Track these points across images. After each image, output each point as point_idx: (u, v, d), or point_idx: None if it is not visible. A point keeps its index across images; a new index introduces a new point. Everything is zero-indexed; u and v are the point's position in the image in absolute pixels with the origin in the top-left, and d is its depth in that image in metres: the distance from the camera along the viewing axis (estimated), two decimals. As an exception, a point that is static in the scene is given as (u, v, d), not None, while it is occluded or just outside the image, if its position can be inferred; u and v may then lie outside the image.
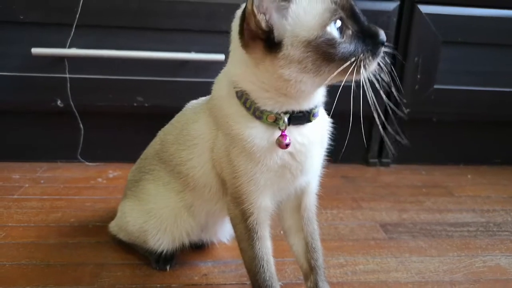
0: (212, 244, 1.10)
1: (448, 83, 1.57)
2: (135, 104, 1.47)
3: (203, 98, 0.94)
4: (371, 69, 0.69)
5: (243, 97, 0.75)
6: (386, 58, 0.72)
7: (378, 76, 0.71)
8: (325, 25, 0.65)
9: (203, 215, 0.94)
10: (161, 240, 0.95)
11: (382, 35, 0.68)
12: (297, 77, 0.68)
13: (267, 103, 0.74)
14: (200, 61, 1.44)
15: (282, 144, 0.73)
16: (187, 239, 0.97)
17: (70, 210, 1.25)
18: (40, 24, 1.37)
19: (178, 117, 0.96)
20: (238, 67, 0.75)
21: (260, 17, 0.65)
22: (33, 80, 1.42)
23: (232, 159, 0.77)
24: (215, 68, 1.44)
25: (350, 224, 1.24)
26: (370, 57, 0.67)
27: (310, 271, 0.88)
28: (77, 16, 1.35)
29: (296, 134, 0.76)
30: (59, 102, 1.44)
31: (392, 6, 1.46)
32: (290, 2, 0.66)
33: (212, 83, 1.51)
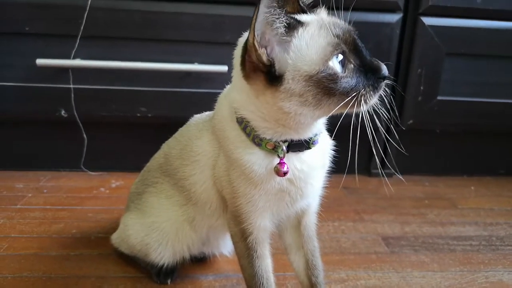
0: (213, 257, 1.10)
1: (451, 94, 1.56)
2: (138, 115, 1.48)
3: (207, 113, 0.94)
4: (372, 103, 0.69)
5: (243, 123, 0.75)
6: (386, 90, 0.72)
7: (377, 109, 0.71)
8: (327, 59, 0.65)
9: (204, 230, 0.94)
10: (163, 253, 0.95)
11: (384, 69, 0.68)
12: (297, 110, 0.68)
13: (266, 132, 0.74)
14: (203, 72, 1.45)
15: (280, 172, 0.73)
16: (188, 253, 0.97)
17: (73, 220, 1.25)
18: (45, 35, 1.39)
19: (182, 131, 0.96)
20: (239, 94, 0.75)
21: (261, 51, 0.65)
22: (37, 90, 1.43)
23: (232, 180, 0.77)
24: (218, 79, 1.47)
25: (352, 237, 1.23)
26: (371, 92, 0.67)
27: None
28: (82, 27, 1.36)
29: (295, 161, 0.75)
30: (63, 112, 1.45)
31: (395, 18, 1.46)
32: (292, 36, 0.66)
33: (215, 94, 1.52)
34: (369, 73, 0.67)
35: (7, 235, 1.16)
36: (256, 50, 0.65)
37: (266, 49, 0.66)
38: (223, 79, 1.46)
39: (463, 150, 1.72)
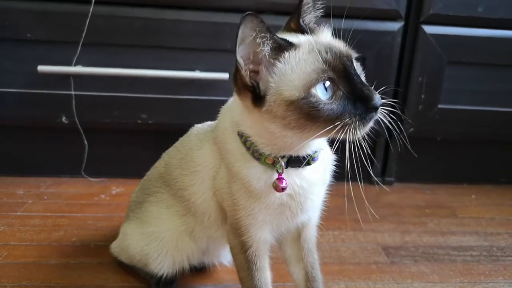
0: (213, 267, 1.10)
1: (452, 103, 1.56)
2: (139, 121, 1.48)
3: (208, 123, 0.94)
4: (360, 134, 0.65)
5: (243, 137, 0.75)
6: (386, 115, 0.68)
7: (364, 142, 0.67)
8: (309, 86, 0.62)
9: (204, 240, 0.94)
10: (162, 263, 0.95)
11: (376, 99, 0.63)
12: (281, 132, 0.67)
13: (265, 147, 0.73)
14: (205, 80, 1.45)
15: (278, 187, 0.72)
16: (187, 263, 0.97)
17: (72, 228, 1.25)
18: (46, 42, 1.39)
19: (182, 141, 0.96)
20: (238, 108, 0.74)
21: (245, 72, 0.64)
22: (39, 97, 1.43)
23: (233, 193, 0.77)
24: (219, 86, 1.47)
25: (352, 247, 1.23)
26: (359, 122, 0.63)
27: None
28: (83, 34, 1.36)
29: (294, 177, 0.75)
30: (64, 118, 1.46)
31: (396, 26, 1.46)
32: (278, 59, 0.64)
33: (216, 101, 1.52)
34: (358, 102, 0.63)
35: (6, 243, 1.16)
36: (239, 71, 0.64)
37: (257, 67, 0.64)
38: (224, 87, 1.47)
39: (464, 158, 1.71)
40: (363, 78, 0.68)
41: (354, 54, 0.69)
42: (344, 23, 1.46)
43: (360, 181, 0.70)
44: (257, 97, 0.66)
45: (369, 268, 1.13)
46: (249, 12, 0.59)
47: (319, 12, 0.73)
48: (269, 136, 0.70)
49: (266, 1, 1.40)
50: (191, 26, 1.41)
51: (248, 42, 0.62)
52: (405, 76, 1.54)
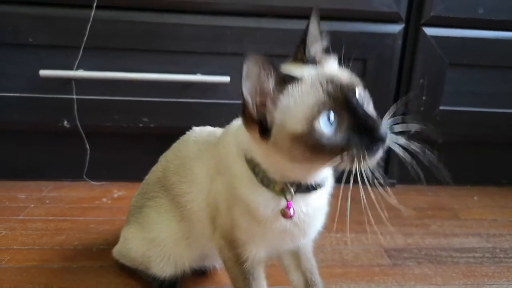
0: (214, 270, 1.09)
1: (453, 104, 1.56)
2: (140, 125, 1.48)
3: (208, 129, 0.95)
4: (366, 166, 0.63)
5: (252, 163, 0.73)
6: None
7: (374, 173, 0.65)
8: (312, 119, 0.62)
9: (200, 247, 0.94)
10: (164, 267, 0.95)
11: (381, 130, 0.62)
12: (288, 164, 0.67)
13: (275, 175, 0.72)
14: (206, 83, 1.45)
15: (286, 215, 0.72)
16: (189, 267, 0.97)
17: (74, 232, 1.25)
18: (48, 46, 1.40)
19: (180, 146, 0.95)
20: (247, 137, 0.72)
21: (251, 107, 0.64)
22: (40, 101, 1.43)
23: (233, 215, 0.77)
24: (220, 89, 1.47)
25: (355, 249, 1.23)
26: (365, 154, 0.62)
27: None
28: (85, 39, 1.37)
29: (301, 203, 0.75)
30: (65, 122, 1.46)
31: (397, 28, 1.46)
32: (282, 93, 0.64)
33: (217, 104, 1.53)
34: (363, 134, 0.62)
35: (9, 247, 1.16)
36: (246, 106, 0.64)
37: (264, 99, 0.64)
38: (225, 90, 1.47)
39: (466, 160, 1.71)
40: (370, 107, 0.67)
41: (358, 83, 0.68)
42: (345, 26, 1.47)
43: (363, 184, 0.70)
44: (264, 130, 0.65)
45: (372, 271, 1.13)
46: (252, 52, 0.60)
47: (325, 43, 0.74)
48: (278, 166, 0.70)
49: (265, 5, 1.41)
50: (192, 29, 1.41)
51: (253, 78, 0.62)
52: (406, 78, 1.54)
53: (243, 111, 0.67)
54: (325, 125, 0.61)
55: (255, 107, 0.64)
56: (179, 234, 0.92)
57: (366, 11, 1.43)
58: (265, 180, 0.72)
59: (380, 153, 0.63)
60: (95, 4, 1.34)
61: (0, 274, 1.04)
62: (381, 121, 0.64)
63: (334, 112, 0.62)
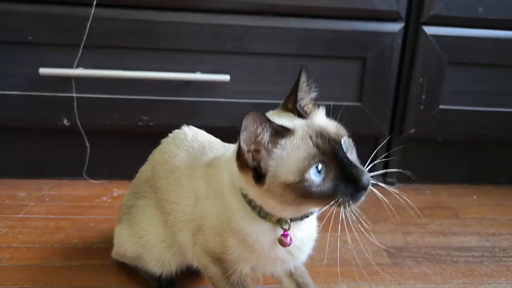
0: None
1: (453, 103, 1.56)
2: (140, 123, 1.48)
3: (200, 134, 0.95)
4: (351, 209, 0.70)
5: (247, 197, 0.76)
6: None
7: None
8: (303, 171, 0.67)
9: (185, 257, 0.94)
10: (160, 269, 0.96)
11: (364, 180, 0.68)
12: (280, 207, 0.72)
13: (270, 211, 0.76)
14: (205, 81, 1.45)
15: (284, 243, 0.77)
16: (180, 271, 0.98)
17: (74, 230, 1.26)
18: (48, 44, 1.39)
19: (170, 149, 0.93)
20: (241, 177, 0.75)
21: (247, 155, 0.69)
22: (40, 99, 1.43)
23: (226, 242, 0.79)
24: (220, 88, 1.47)
25: (354, 248, 1.23)
26: (350, 201, 0.69)
27: None
28: (85, 37, 1.36)
29: (295, 230, 0.79)
30: (65, 120, 1.46)
31: (397, 27, 1.46)
32: (276, 145, 0.69)
33: (217, 103, 1.53)
34: (349, 183, 0.68)
35: (9, 245, 1.16)
36: (243, 155, 0.69)
37: (259, 147, 0.69)
38: (225, 88, 1.47)
39: (465, 159, 1.72)
40: (353, 156, 0.73)
41: (344, 133, 0.74)
42: (345, 25, 1.47)
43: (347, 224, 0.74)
44: (258, 176, 0.70)
45: (371, 270, 1.13)
46: (251, 109, 0.65)
47: (314, 95, 0.79)
48: (271, 206, 0.74)
49: (265, 3, 1.41)
50: (192, 28, 1.41)
51: (250, 130, 0.67)
52: (406, 76, 1.54)
53: (238, 157, 0.71)
54: (315, 175, 0.67)
55: (250, 155, 0.69)
56: (166, 243, 0.93)
57: (366, 10, 1.43)
58: (262, 213, 0.76)
59: (363, 198, 0.71)
60: (95, 2, 1.34)
61: (1, 272, 1.04)
62: (364, 170, 0.70)
63: (322, 163, 0.68)
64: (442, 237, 1.32)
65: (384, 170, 0.89)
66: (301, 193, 0.67)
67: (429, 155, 1.70)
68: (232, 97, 1.48)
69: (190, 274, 1.03)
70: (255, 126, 0.67)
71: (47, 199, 1.44)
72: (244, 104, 1.49)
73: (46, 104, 1.44)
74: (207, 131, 1.00)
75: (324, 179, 0.68)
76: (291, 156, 0.68)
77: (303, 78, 0.76)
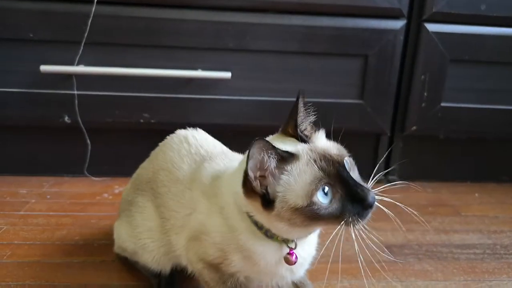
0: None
1: (455, 101, 1.56)
2: (141, 121, 1.48)
3: (203, 142, 0.95)
4: (359, 227, 0.73)
5: (253, 218, 0.77)
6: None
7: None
8: (311, 195, 0.68)
9: (180, 262, 0.95)
10: (160, 267, 0.96)
11: (369, 199, 0.70)
12: (289, 229, 0.74)
13: (277, 233, 0.77)
14: (206, 79, 1.45)
15: (290, 261, 0.78)
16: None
17: (76, 227, 1.26)
18: (49, 42, 1.39)
19: (173, 156, 0.93)
20: (246, 201, 0.76)
21: (255, 183, 0.70)
22: (41, 96, 1.43)
23: (229, 256, 0.80)
24: (221, 85, 1.47)
25: (356, 245, 1.22)
26: (357, 220, 0.71)
27: None
28: (86, 34, 1.36)
29: (299, 249, 0.80)
30: (66, 118, 1.46)
31: (399, 24, 1.46)
32: (282, 171, 0.70)
33: (218, 100, 1.52)
34: (355, 203, 0.70)
35: (10, 242, 1.16)
36: (250, 182, 0.70)
37: (264, 175, 0.70)
38: (226, 85, 1.47)
39: (467, 157, 1.71)
40: (356, 175, 0.74)
41: (345, 154, 0.75)
42: (347, 22, 1.47)
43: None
44: (266, 201, 0.71)
45: (373, 267, 1.12)
46: (257, 138, 0.66)
47: (312, 118, 0.80)
48: (279, 229, 0.75)
49: (267, 0, 1.40)
50: (193, 25, 1.41)
51: (257, 158, 0.68)
52: (408, 74, 1.54)
53: (244, 184, 0.72)
54: (322, 197, 0.69)
55: (258, 181, 0.70)
56: (163, 249, 0.93)
57: (368, 7, 1.43)
58: (268, 233, 0.77)
59: (370, 215, 0.73)
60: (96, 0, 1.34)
61: (2, 269, 1.04)
62: (368, 188, 0.73)
63: (329, 185, 0.70)
64: (444, 234, 1.32)
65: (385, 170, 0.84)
66: (309, 216, 0.69)
67: (430, 152, 1.69)
68: (233, 95, 1.48)
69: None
70: (262, 154, 0.68)
71: (48, 196, 1.44)
72: (246, 101, 1.49)
73: (47, 101, 1.44)
74: (208, 129, 1.01)
75: (331, 201, 0.69)
76: (298, 181, 0.69)
77: (301, 102, 0.77)
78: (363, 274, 1.08)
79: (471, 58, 1.51)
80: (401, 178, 1.70)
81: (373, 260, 1.15)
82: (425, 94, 1.54)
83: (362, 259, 1.14)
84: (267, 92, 1.49)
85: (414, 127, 1.57)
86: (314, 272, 0.96)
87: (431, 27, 1.46)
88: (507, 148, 1.71)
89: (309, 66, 1.48)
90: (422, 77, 1.52)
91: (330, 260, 1.13)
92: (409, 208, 0.90)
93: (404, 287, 1.05)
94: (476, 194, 1.63)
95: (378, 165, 0.88)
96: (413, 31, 1.49)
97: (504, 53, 1.51)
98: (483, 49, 1.50)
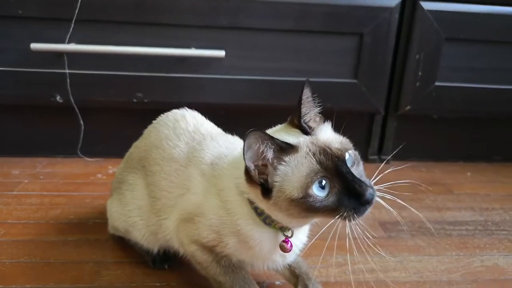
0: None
1: (449, 80, 1.56)
2: (134, 100, 1.46)
3: (203, 123, 0.94)
4: (355, 222, 0.73)
5: (253, 204, 0.77)
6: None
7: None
8: (307, 187, 0.69)
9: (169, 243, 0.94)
10: (151, 245, 0.97)
11: (367, 195, 0.69)
12: (287, 219, 0.75)
13: (277, 220, 0.78)
14: (200, 57, 1.43)
15: (286, 249, 0.80)
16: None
17: (70, 206, 1.25)
18: (39, 19, 1.36)
19: (168, 134, 0.92)
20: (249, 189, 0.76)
21: (254, 173, 0.71)
22: (32, 75, 1.41)
23: (224, 239, 0.80)
24: (215, 64, 1.45)
25: (350, 223, 1.24)
26: (354, 215, 0.70)
27: (297, 279, 0.91)
28: (76, 11, 1.33)
29: (293, 237, 0.81)
30: (58, 97, 1.44)
31: (394, 2, 1.44)
32: (280, 162, 0.71)
33: (212, 79, 1.51)
34: (352, 198, 0.70)
35: (4, 221, 1.16)
36: (249, 172, 0.71)
37: (265, 164, 0.71)
38: (220, 64, 1.46)
39: (460, 136, 1.72)
40: (359, 169, 0.74)
41: (349, 147, 0.75)
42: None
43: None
44: (265, 190, 0.72)
45: (366, 243, 1.13)
46: (252, 129, 0.66)
47: (318, 109, 0.78)
48: (278, 217, 0.76)
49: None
50: (187, 2, 1.39)
51: (253, 149, 0.69)
52: (402, 53, 1.53)
53: (246, 171, 0.72)
54: (318, 190, 0.69)
55: (257, 172, 0.71)
56: (152, 228, 0.93)
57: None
58: (267, 220, 0.78)
59: (368, 211, 0.73)
60: (86, -25, 1.31)
61: (-4, 248, 1.04)
62: (368, 184, 0.71)
63: (326, 179, 0.70)
64: (436, 212, 1.33)
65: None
66: (305, 207, 0.69)
67: (424, 132, 1.70)
68: (227, 74, 1.47)
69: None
70: (258, 144, 0.68)
71: (41, 177, 1.43)
72: (240, 80, 1.47)
73: (38, 80, 1.42)
74: (202, 108, 1.00)
75: (328, 194, 0.69)
76: (295, 173, 0.70)
77: (306, 93, 0.76)
78: (356, 250, 1.10)
79: (466, 36, 1.51)
80: (395, 158, 1.71)
81: (367, 237, 1.17)
82: (420, 73, 1.53)
83: (356, 235, 1.16)
84: (261, 71, 1.47)
85: (408, 107, 1.57)
86: (307, 248, 0.97)
87: (427, 5, 1.45)
88: (500, 127, 1.72)
89: (304, 45, 1.47)
90: (417, 56, 1.51)
91: (324, 237, 1.15)
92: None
93: (397, 262, 1.07)
94: (469, 173, 1.64)
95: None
96: (409, 9, 1.48)
97: (500, 31, 1.51)
98: (479, 27, 1.50)
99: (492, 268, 1.06)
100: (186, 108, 0.98)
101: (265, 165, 0.71)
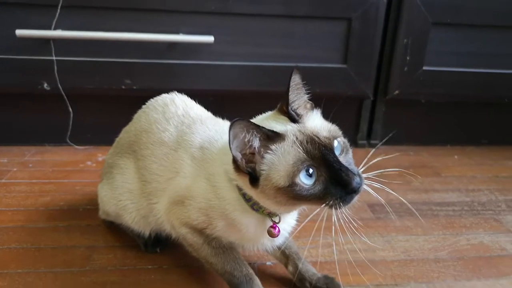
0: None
1: (437, 64, 1.57)
2: (123, 87, 1.46)
3: (192, 107, 0.94)
4: (342, 210, 0.72)
5: (242, 191, 0.77)
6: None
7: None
8: (293, 176, 0.69)
9: (160, 227, 0.95)
10: (142, 228, 0.97)
11: (354, 184, 0.69)
12: (274, 206, 0.75)
13: (266, 207, 0.78)
14: (189, 43, 1.43)
15: (273, 234, 0.80)
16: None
17: (60, 193, 1.25)
18: (24, 4, 1.35)
19: (158, 118, 0.92)
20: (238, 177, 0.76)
21: (240, 162, 0.70)
22: (18, 62, 1.39)
23: (213, 222, 0.81)
24: (204, 50, 1.45)
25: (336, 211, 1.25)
26: (340, 203, 0.70)
27: (287, 259, 0.93)
28: (62, -4, 1.32)
29: (281, 222, 0.82)
30: (45, 85, 1.42)
31: (382, -14, 1.45)
32: (267, 150, 0.70)
33: (201, 66, 1.50)
34: (339, 186, 0.70)
35: (-7, 209, 1.16)
36: (236, 161, 0.71)
37: (253, 153, 0.70)
38: (209, 50, 1.45)
39: (447, 120, 1.74)
40: (348, 157, 0.74)
41: (337, 135, 0.74)
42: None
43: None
44: (253, 179, 0.72)
45: (355, 224, 1.15)
46: (236, 118, 0.65)
47: (306, 96, 0.78)
48: (266, 205, 0.76)
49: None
50: (174, -13, 1.38)
51: (239, 139, 0.68)
52: (391, 37, 1.54)
53: (234, 160, 0.72)
54: (305, 179, 0.69)
55: (244, 161, 0.71)
56: (142, 211, 0.94)
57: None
58: (255, 206, 0.78)
59: (354, 200, 0.72)
60: (71, -41, 1.29)
61: (-15, 234, 1.04)
62: (356, 172, 0.71)
63: (313, 167, 0.70)
64: (424, 193, 1.36)
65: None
66: (292, 196, 0.70)
67: (413, 116, 1.72)
68: (216, 60, 1.46)
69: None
70: (244, 133, 0.68)
71: (30, 165, 1.42)
72: (229, 66, 1.47)
73: (24, 68, 1.41)
74: (191, 94, 0.99)
75: (314, 182, 0.69)
76: (281, 161, 0.69)
77: (295, 79, 0.75)
78: (346, 231, 1.12)
79: (453, 21, 1.52)
80: (384, 142, 1.73)
81: (355, 218, 1.18)
82: (408, 58, 1.55)
83: (345, 217, 1.17)
84: (250, 57, 1.47)
85: (397, 91, 1.59)
86: (298, 231, 0.98)
87: (414, -11, 1.46)
88: (487, 112, 1.74)
89: (292, 30, 1.47)
90: (405, 40, 1.52)
91: (313, 219, 1.16)
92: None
93: (385, 242, 1.09)
94: (456, 156, 1.67)
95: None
96: (397, -7, 1.48)
97: (486, 16, 1.52)
98: (465, 12, 1.51)
99: (477, 246, 1.09)
100: (176, 92, 0.98)
101: (253, 153, 0.71)
